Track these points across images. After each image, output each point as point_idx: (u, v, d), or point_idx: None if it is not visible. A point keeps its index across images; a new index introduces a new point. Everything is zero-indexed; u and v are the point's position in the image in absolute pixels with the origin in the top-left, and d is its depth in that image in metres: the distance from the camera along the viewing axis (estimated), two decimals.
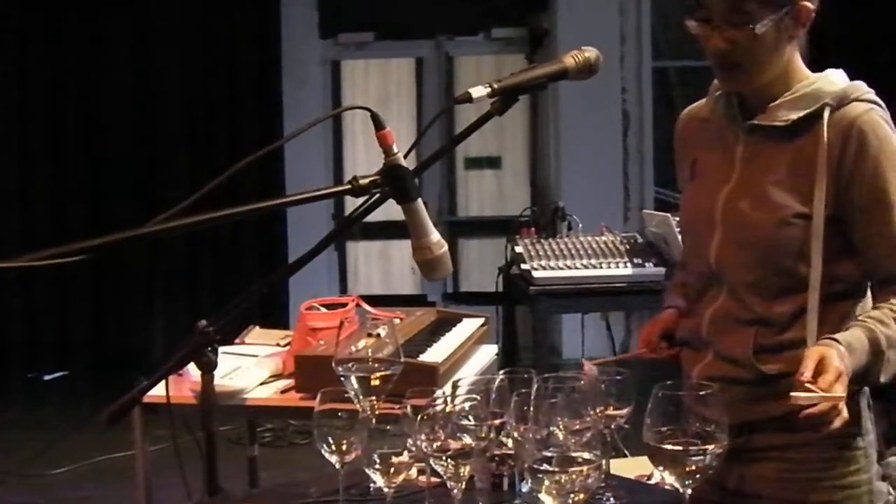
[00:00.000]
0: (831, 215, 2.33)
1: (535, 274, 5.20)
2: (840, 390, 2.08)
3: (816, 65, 2.46)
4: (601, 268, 5.24)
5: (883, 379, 2.29)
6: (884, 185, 2.33)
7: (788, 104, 2.38)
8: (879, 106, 2.38)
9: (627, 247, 5.36)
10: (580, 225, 5.76)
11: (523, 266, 5.27)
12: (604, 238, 5.44)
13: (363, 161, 9.30)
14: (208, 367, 1.96)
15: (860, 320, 2.30)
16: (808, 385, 2.07)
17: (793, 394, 2.07)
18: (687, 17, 2.38)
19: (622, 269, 5.24)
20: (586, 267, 5.24)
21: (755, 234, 2.38)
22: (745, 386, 2.41)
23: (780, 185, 2.37)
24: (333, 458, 2.10)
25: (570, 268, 5.23)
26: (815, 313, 2.35)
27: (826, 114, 2.35)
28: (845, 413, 2.09)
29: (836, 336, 2.22)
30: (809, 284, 2.35)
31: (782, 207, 2.35)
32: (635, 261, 5.26)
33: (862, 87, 2.40)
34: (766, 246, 2.37)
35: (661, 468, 1.91)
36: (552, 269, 5.22)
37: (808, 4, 2.33)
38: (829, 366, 2.11)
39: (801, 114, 2.36)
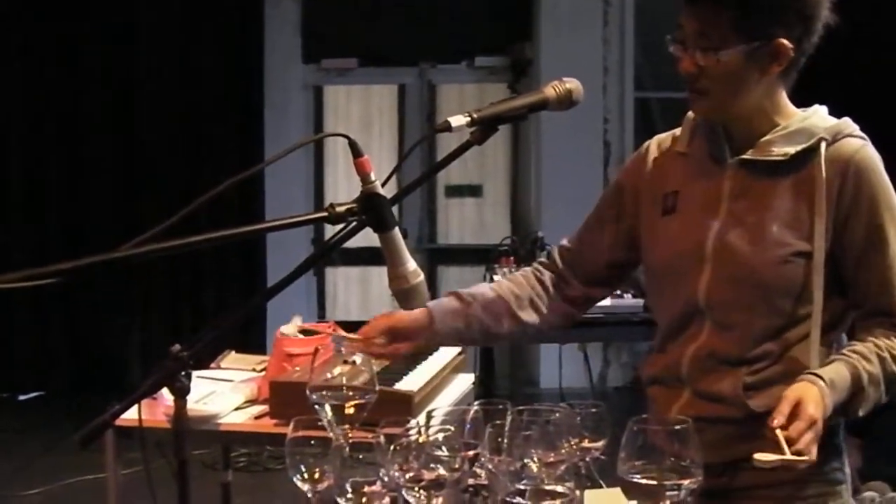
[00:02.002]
0: (827, 251, 2.33)
1: None
2: (809, 440, 2.07)
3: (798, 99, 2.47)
4: None
5: (861, 413, 2.28)
6: (880, 221, 2.33)
7: (782, 139, 2.37)
8: (868, 141, 2.39)
9: None
10: None
11: None
12: None
13: (344, 186, 9.29)
14: (181, 393, 1.94)
15: (844, 354, 2.29)
16: (778, 432, 2.06)
17: (755, 456, 2.04)
18: (669, 37, 2.38)
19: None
20: None
21: (753, 272, 2.35)
22: (731, 425, 2.37)
23: (778, 220, 2.35)
24: (305, 487, 2.08)
25: None
26: (816, 349, 2.34)
27: (823, 148, 2.34)
28: (814, 455, 2.08)
29: (820, 372, 2.21)
30: (812, 319, 2.33)
31: (782, 245, 2.33)
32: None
33: (851, 124, 2.41)
34: (765, 286, 2.34)
35: (635, 502, 1.91)
36: None
37: (786, 42, 2.31)
38: (803, 412, 2.09)
39: (799, 148, 2.35)
